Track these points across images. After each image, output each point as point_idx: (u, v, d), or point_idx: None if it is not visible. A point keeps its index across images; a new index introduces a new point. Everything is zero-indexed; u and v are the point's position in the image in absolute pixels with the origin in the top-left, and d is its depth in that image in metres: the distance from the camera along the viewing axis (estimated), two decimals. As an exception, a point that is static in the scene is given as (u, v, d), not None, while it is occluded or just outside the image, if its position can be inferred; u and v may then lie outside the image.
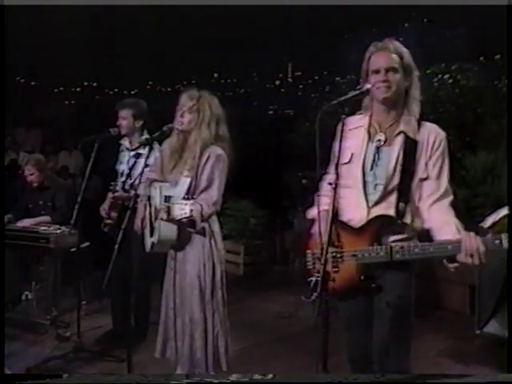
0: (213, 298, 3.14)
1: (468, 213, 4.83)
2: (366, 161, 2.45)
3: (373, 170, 2.44)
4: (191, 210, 2.73)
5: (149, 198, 3.19)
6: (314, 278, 2.24)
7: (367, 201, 2.42)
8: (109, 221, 4.06)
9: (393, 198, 2.39)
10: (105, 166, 4.56)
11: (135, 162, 4.09)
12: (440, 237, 2.29)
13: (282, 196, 7.28)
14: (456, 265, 2.22)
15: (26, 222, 4.72)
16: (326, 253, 2.18)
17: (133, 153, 4.14)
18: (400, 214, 2.38)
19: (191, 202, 2.77)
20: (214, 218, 3.20)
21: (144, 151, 3.90)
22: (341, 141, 2.31)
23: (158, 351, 3.29)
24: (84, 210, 3.90)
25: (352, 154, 2.46)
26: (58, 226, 4.62)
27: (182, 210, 2.75)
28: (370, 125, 2.49)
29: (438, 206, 2.37)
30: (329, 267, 2.40)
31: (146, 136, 4.14)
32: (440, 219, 2.33)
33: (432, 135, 2.42)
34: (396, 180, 2.39)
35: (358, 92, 2.37)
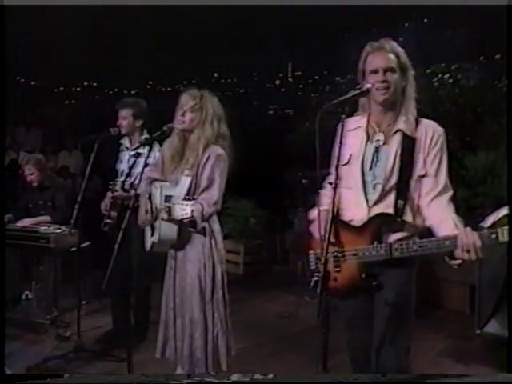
0: (213, 297, 3.14)
1: (468, 212, 4.83)
2: (364, 161, 2.46)
3: (372, 169, 2.44)
4: (192, 211, 2.73)
5: (150, 197, 3.19)
6: (314, 278, 2.23)
7: (367, 200, 2.43)
8: (109, 220, 4.06)
9: (392, 196, 2.40)
10: (105, 165, 4.56)
11: (135, 162, 4.08)
12: (439, 234, 2.30)
13: (282, 196, 7.28)
14: (458, 261, 2.22)
15: (26, 222, 4.72)
16: (326, 253, 2.18)
17: (133, 152, 4.14)
18: (399, 211, 2.38)
19: (192, 202, 2.77)
20: (215, 217, 3.20)
21: (144, 151, 3.91)
22: (341, 142, 2.31)
23: (159, 351, 3.29)
24: (84, 209, 3.90)
25: (351, 155, 2.47)
26: (58, 226, 4.62)
27: (182, 210, 2.75)
28: (368, 125, 2.50)
29: (436, 203, 2.37)
30: (331, 267, 2.42)
31: (145, 135, 4.13)
32: (439, 216, 2.34)
33: (429, 132, 2.42)
34: (394, 178, 2.40)
35: (358, 92, 2.37)
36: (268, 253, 6.73)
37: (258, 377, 2.35)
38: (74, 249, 4.42)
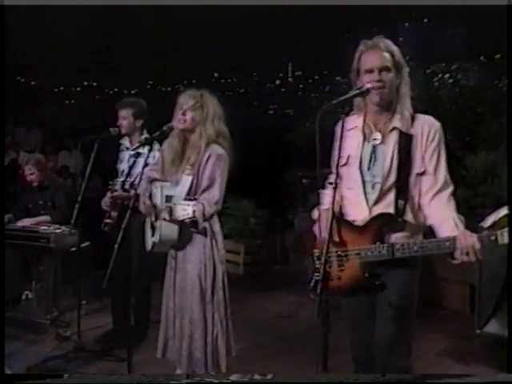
0: (213, 298, 3.14)
1: (468, 212, 4.82)
2: (362, 161, 2.45)
3: (370, 169, 2.44)
4: (194, 211, 2.73)
5: (150, 196, 3.19)
6: (314, 277, 2.23)
7: (367, 200, 2.43)
8: (109, 220, 4.06)
9: (392, 195, 2.40)
10: (105, 165, 4.56)
11: (135, 162, 4.08)
12: (440, 234, 2.30)
13: (282, 196, 7.29)
14: (458, 261, 2.22)
15: (26, 222, 4.72)
16: (327, 252, 2.18)
17: (133, 152, 4.14)
18: (400, 211, 2.38)
19: (194, 202, 2.77)
20: (215, 217, 3.20)
21: (144, 150, 3.90)
22: (340, 142, 2.31)
23: (160, 351, 3.29)
24: (84, 209, 3.90)
25: (349, 156, 2.47)
26: (58, 226, 4.62)
27: (184, 210, 2.75)
28: (364, 125, 2.49)
29: (437, 201, 2.37)
30: (335, 266, 2.43)
31: (145, 135, 4.14)
32: (439, 215, 2.34)
33: (426, 127, 2.41)
34: (393, 177, 2.39)
35: (358, 92, 2.37)
36: (268, 253, 6.73)
37: (257, 377, 2.35)
38: (74, 249, 4.42)
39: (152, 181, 3.27)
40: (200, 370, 3.11)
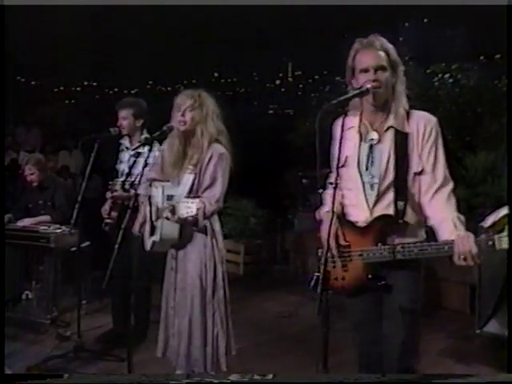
0: (214, 297, 3.14)
1: (468, 212, 4.82)
2: (360, 162, 2.44)
3: (368, 169, 2.43)
4: (198, 209, 2.73)
5: (149, 198, 3.19)
6: (314, 277, 2.23)
7: (367, 201, 2.42)
8: (109, 220, 4.06)
9: (390, 196, 2.39)
10: (105, 165, 4.56)
11: (135, 161, 4.08)
12: (440, 235, 2.30)
13: (283, 195, 7.29)
14: (463, 263, 2.22)
15: (26, 222, 4.72)
16: (327, 252, 2.18)
17: (133, 152, 4.14)
18: (400, 212, 2.37)
19: (197, 200, 2.77)
20: (215, 217, 3.21)
21: (144, 150, 3.90)
22: (341, 142, 2.31)
23: (160, 350, 3.29)
24: (84, 209, 3.90)
25: (347, 157, 2.45)
26: (58, 226, 4.61)
27: (187, 208, 2.75)
28: (360, 124, 2.48)
29: (437, 200, 2.35)
30: (339, 266, 2.43)
31: (145, 135, 4.14)
32: (439, 216, 2.32)
33: (421, 125, 2.39)
34: (390, 177, 2.38)
35: (358, 92, 2.36)
36: (268, 253, 6.73)
37: (257, 377, 2.35)
38: (74, 248, 4.41)
39: (151, 181, 3.27)
40: (199, 369, 3.12)
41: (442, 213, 2.33)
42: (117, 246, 2.80)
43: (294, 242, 6.53)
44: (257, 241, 6.58)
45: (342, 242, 2.45)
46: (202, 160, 3.08)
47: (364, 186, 2.43)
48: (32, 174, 4.85)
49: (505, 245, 2.13)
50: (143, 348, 3.91)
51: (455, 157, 5.52)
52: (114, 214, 4.05)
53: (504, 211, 3.79)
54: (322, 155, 2.27)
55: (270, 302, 5.37)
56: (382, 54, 2.37)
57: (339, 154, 2.33)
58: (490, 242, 2.15)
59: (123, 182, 4.09)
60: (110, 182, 4.12)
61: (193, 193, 3.03)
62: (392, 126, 2.40)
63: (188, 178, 3.09)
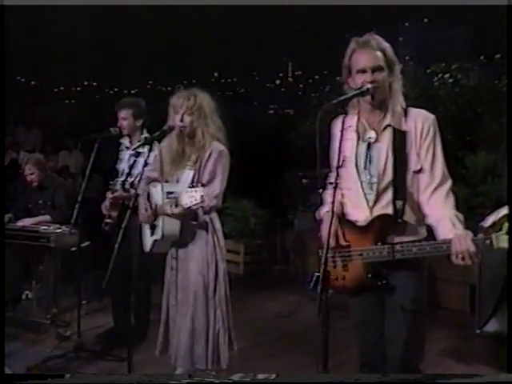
0: (215, 295, 3.15)
1: (468, 212, 4.82)
2: (358, 161, 2.44)
3: (367, 168, 2.42)
4: (202, 196, 2.73)
5: (148, 197, 3.19)
6: (315, 277, 2.23)
7: (367, 201, 2.42)
8: (109, 220, 4.06)
9: (389, 195, 2.38)
10: (105, 165, 4.56)
11: (135, 161, 4.08)
12: (438, 234, 2.29)
13: (283, 195, 7.28)
14: (462, 262, 2.22)
15: (26, 222, 4.72)
16: (327, 252, 2.18)
17: (133, 152, 4.14)
18: (399, 212, 2.36)
19: (200, 188, 2.76)
20: (215, 215, 3.21)
21: (144, 150, 3.90)
22: (341, 142, 2.31)
23: (159, 350, 3.29)
24: (84, 209, 3.90)
25: (345, 156, 2.45)
26: (58, 226, 4.62)
27: (191, 197, 2.75)
28: (358, 124, 2.47)
29: (435, 199, 2.35)
30: (339, 266, 2.43)
31: (145, 135, 4.14)
32: (437, 215, 2.32)
33: (419, 122, 2.38)
34: (389, 176, 2.38)
35: (358, 92, 2.35)
36: (268, 253, 6.72)
37: (259, 376, 2.35)
38: (74, 248, 4.41)
39: (150, 181, 3.27)
40: (201, 366, 3.12)
41: (440, 211, 2.32)
42: (117, 245, 2.81)
43: (293, 242, 6.53)
44: (257, 241, 6.57)
45: (342, 242, 2.45)
46: (201, 157, 3.09)
47: (362, 185, 2.43)
48: (32, 174, 4.85)
49: (502, 243, 2.13)
50: (143, 348, 3.91)
51: (455, 157, 5.52)
52: (114, 213, 4.05)
53: (504, 211, 3.79)
54: (322, 155, 2.27)
55: (270, 302, 5.36)
56: (379, 54, 2.36)
57: (339, 154, 2.33)
58: (488, 241, 2.15)
59: (123, 182, 4.09)
60: (111, 182, 4.13)
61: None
62: (390, 125, 2.40)
63: (188, 175, 3.10)
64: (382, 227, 2.38)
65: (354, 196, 2.46)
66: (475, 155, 5.56)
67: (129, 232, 2.98)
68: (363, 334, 2.57)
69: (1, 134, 6.34)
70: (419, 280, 2.42)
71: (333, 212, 2.27)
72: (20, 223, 4.71)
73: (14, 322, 4.38)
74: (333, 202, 2.25)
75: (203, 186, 2.99)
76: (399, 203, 2.36)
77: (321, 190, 2.60)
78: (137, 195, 3.13)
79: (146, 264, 3.90)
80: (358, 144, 2.45)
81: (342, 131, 2.31)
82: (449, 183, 2.38)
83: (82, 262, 4.33)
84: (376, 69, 2.35)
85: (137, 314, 3.91)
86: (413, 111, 2.43)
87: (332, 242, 2.34)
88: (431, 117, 2.42)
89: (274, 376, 2.22)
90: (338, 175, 2.28)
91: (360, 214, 2.44)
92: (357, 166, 2.44)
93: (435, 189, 2.36)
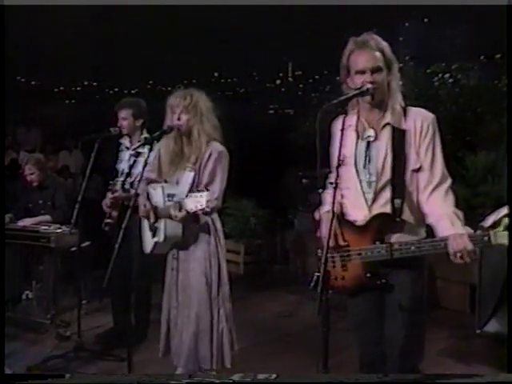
0: (219, 294, 3.16)
1: (469, 212, 4.82)
2: (357, 160, 2.44)
3: (366, 167, 2.42)
4: (208, 201, 2.73)
5: (148, 195, 3.19)
6: (315, 277, 2.23)
7: (366, 200, 2.42)
8: (109, 220, 4.06)
9: (388, 194, 2.38)
10: (105, 165, 4.56)
11: (135, 161, 4.08)
12: (438, 233, 2.29)
13: (283, 195, 7.28)
14: (460, 260, 2.21)
15: (26, 222, 4.72)
16: (327, 252, 2.18)
17: (133, 152, 4.14)
18: (397, 210, 2.36)
19: (206, 193, 2.76)
20: (216, 215, 3.22)
21: (144, 150, 3.90)
22: (341, 142, 2.31)
23: (162, 352, 3.29)
24: (84, 209, 3.90)
25: (344, 155, 2.45)
26: (58, 226, 4.61)
27: (197, 202, 2.74)
28: (357, 123, 2.47)
29: (434, 197, 2.35)
30: (338, 265, 2.43)
31: (145, 135, 4.14)
32: (436, 213, 2.32)
33: (418, 121, 2.38)
34: (387, 174, 2.38)
35: (358, 92, 2.35)
36: (268, 253, 6.72)
37: (260, 376, 2.35)
38: (74, 248, 4.41)
39: (149, 182, 3.27)
40: (206, 366, 3.12)
41: (439, 209, 2.32)
42: (117, 245, 2.81)
43: (294, 241, 6.53)
44: (257, 241, 6.57)
45: (341, 242, 2.45)
46: (200, 158, 3.09)
47: (361, 184, 2.43)
48: (32, 174, 4.85)
49: (501, 240, 2.12)
50: (143, 348, 3.91)
51: (455, 156, 5.52)
52: (114, 213, 4.05)
53: (504, 211, 3.79)
54: (322, 155, 2.27)
55: (270, 302, 5.36)
56: (378, 54, 2.36)
57: (338, 153, 2.33)
58: (486, 238, 2.15)
59: (123, 182, 4.09)
60: (111, 182, 4.13)
61: (193, 190, 3.04)
62: (389, 123, 2.40)
63: (188, 177, 3.10)
64: (381, 226, 2.38)
65: (353, 195, 2.46)
66: (475, 155, 5.56)
67: (129, 232, 2.98)
68: (363, 334, 2.57)
69: (1, 133, 6.35)
70: (418, 279, 2.41)
71: (333, 212, 2.27)
72: (20, 223, 4.71)
73: (14, 322, 4.38)
74: (333, 202, 2.25)
75: (207, 190, 3.01)
76: (397, 202, 2.36)
77: (321, 190, 2.59)
78: (137, 195, 3.13)
79: (146, 264, 3.90)
80: (357, 143, 2.45)
81: (342, 130, 2.31)
82: (448, 182, 2.38)
83: (82, 262, 4.33)
84: (375, 70, 2.35)
85: (137, 313, 3.93)
86: (412, 110, 2.43)
87: (331, 242, 2.34)
88: (431, 116, 2.42)
89: (274, 376, 2.22)
90: (337, 175, 2.28)
91: (359, 213, 2.43)
92: (356, 164, 2.44)
93: (434, 188, 2.35)
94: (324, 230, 2.40)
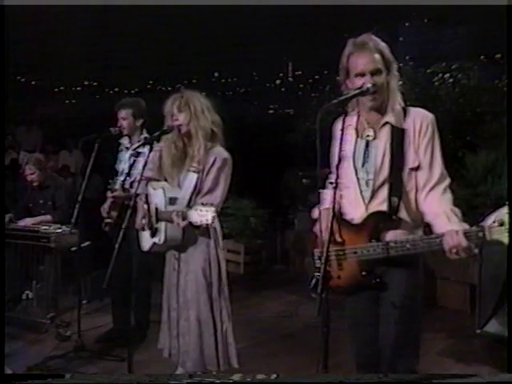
0: (220, 295, 3.16)
1: (469, 212, 4.82)
2: (356, 158, 2.44)
3: (364, 166, 2.43)
4: (213, 217, 2.73)
5: (146, 197, 3.19)
6: (315, 277, 2.23)
7: (363, 198, 2.42)
8: (109, 220, 4.06)
9: (385, 192, 2.38)
10: (105, 165, 4.56)
11: (135, 161, 4.09)
12: (435, 230, 2.29)
13: (283, 195, 7.29)
14: (456, 256, 2.22)
15: (26, 222, 4.72)
16: (327, 252, 2.18)
17: (133, 152, 4.14)
18: (393, 209, 2.36)
19: (212, 208, 2.76)
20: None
21: (143, 150, 3.90)
22: (341, 142, 2.31)
23: (166, 351, 3.28)
24: (85, 209, 3.90)
25: (343, 155, 2.45)
26: (58, 226, 4.62)
27: (202, 216, 2.74)
28: (357, 123, 2.48)
29: (431, 197, 2.35)
30: (334, 265, 2.42)
31: (145, 135, 4.15)
32: (433, 211, 2.32)
33: (418, 121, 2.38)
34: (385, 173, 2.38)
35: (358, 91, 2.35)
36: (268, 253, 6.73)
37: (259, 376, 2.35)
38: (74, 248, 4.41)
39: (148, 181, 3.27)
40: (212, 367, 3.12)
41: (436, 207, 2.32)
42: (117, 245, 2.81)
43: (294, 241, 6.53)
44: (257, 241, 6.58)
45: (338, 240, 2.44)
46: (204, 162, 3.09)
47: (359, 183, 2.43)
48: (32, 174, 4.85)
49: (496, 235, 2.12)
50: (143, 348, 3.91)
51: (455, 156, 5.52)
52: (113, 213, 4.05)
53: (504, 211, 3.79)
54: (322, 155, 2.27)
55: (270, 302, 5.37)
56: (377, 56, 2.35)
57: (338, 152, 2.33)
58: (481, 233, 2.15)
59: (123, 182, 4.09)
60: (110, 181, 4.13)
61: (194, 195, 3.05)
62: (388, 122, 2.40)
63: (190, 181, 3.09)
64: (377, 224, 2.38)
65: (351, 194, 2.46)
66: (475, 155, 5.56)
67: (129, 232, 2.98)
68: (359, 335, 2.57)
69: (1, 133, 6.34)
70: (413, 277, 2.41)
71: (334, 212, 2.27)
72: (21, 223, 4.72)
73: (14, 322, 4.38)
74: (333, 202, 2.25)
75: (205, 195, 3.03)
76: (394, 200, 2.36)
77: (321, 190, 2.59)
78: (136, 195, 3.13)
79: (146, 264, 3.90)
80: (356, 142, 2.46)
81: (342, 130, 2.31)
82: (446, 182, 2.39)
83: (82, 261, 4.34)
84: (375, 72, 2.35)
85: (137, 313, 3.93)
86: (412, 110, 2.43)
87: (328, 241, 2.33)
88: (430, 115, 2.42)
89: (274, 376, 2.23)
90: (338, 175, 2.28)
91: (356, 211, 2.43)
92: (354, 163, 2.44)
93: (433, 187, 2.36)
94: (322, 227, 2.40)
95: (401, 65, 2.47)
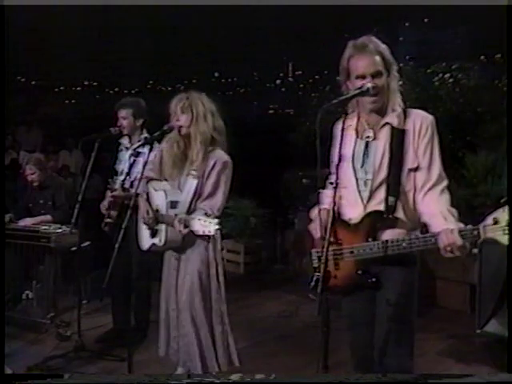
0: (219, 296, 3.17)
1: (469, 212, 4.83)
2: (355, 159, 2.45)
3: (363, 166, 2.44)
4: (216, 230, 2.73)
5: (147, 196, 3.20)
6: (314, 277, 2.23)
7: (361, 198, 2.43)
8: (109, 220, 4.06)
9: (383, 192, 2.39)
10: (105, 165, 4.57)
11: (134, 161, 4.08)
12: (432, 229, 2.29)
13: (283, 195, 7.28)
14: (451, 254, 2.22)
15: (27, 221, 4.72)
16: (327, 252, 2.18)
17: (133, 151, 4.14)
18: (390, 208, 2.37)
19: (216, 220, 2.75)
20: None
21: (143, 150, 3.90)
22: (341, 142, 2.31)
23: (162, 350, 3.29)
24: (85, 209, 3.90)
25: (343, 155, 2.45)
26: (58, 226, 4.62)
27: (204, 226, 2.73)
28: (357, 123, 2.49)
29: (429, 197, 2.36)
30: (331, 264, 2.42)
31: (145, 135, 4.15)
32: (430, 211, 2.33)
33: (418, 122, 2.39)
34: (383, 173, 2.38)
35: (358, 92, 2.35)
36: (268, 253, 6.73)
37: (258, 376, 2.35)
38: (74, 248, 4.41)
39: (148, 181, 3.27)
40: (213, 368, 3.12)
41: (433, 208, 2.33)
42: (117, 245, 2.81)
43: (294, 241, 6.53)
44: (257, 241, 6.58)
45: (334, 240, 2.45)
46: (204, 166, 3.08)
47: (358, 183, 2.44)
48: (32, 174, 4.85)
49: (489, 234, 2.13)
50: (143, 348, 3.91)
51: (455, 157, 5.52)
52: (113, 213, 4.05)
53: (504, 211, 3.79)
54: (322, 155, 2.27)
55: (270, 302, 5.37)
56: (378, 58, 2.36)
57: (338, 153, 2.34)
58: (476, 232, 2.15)
59: (123, 182, 4.09)
60: (109, 180, 4.13)
61: (195, 198, 3.06)
62: (388, 123, 2.41)
63: (191, 185, 3.09)
64: (373, 224, 2.38)
65: (350, 194, 2.46)
66: (475, 155, 5.56)
67: (129, 232, 2.98)
68: (356, 335, 2.57)
69: (1, 134, 6.35)
70: (408, 275, 2.41)
71: (334, 212, 2.27)
72: (21, 223, 4.72)
73: (14, 322, 4.38)
74: (333, 202, 2.26)
75: (206, 199, 3.04)
76: (391, 199, 2.37)
77: (321, 190, 2.60)
78: (136, 195, 3.13)
79: (146, 264, 3.90)
80: (356, 142, 2.46)
81: (342, 130, 2.32)
82: (444, 183, 2.40)
83: (82, 261, 4.33)
84: (375, 74, 2.35)
85: (137, 313, 3.93)
86: (412, 111, 2.44)
87: (324, 242, 2.34)
88: (430, 117, 2.43)
89: (273, 376, 2.23)
90: (337, 175, 2.28)
91: (354, 211, 2.44)
92: (354, 164, 2.45)
93: (431, 187, 2.37)
94: (320, 226, 2.41)
95: (401, 65, 2.47)
